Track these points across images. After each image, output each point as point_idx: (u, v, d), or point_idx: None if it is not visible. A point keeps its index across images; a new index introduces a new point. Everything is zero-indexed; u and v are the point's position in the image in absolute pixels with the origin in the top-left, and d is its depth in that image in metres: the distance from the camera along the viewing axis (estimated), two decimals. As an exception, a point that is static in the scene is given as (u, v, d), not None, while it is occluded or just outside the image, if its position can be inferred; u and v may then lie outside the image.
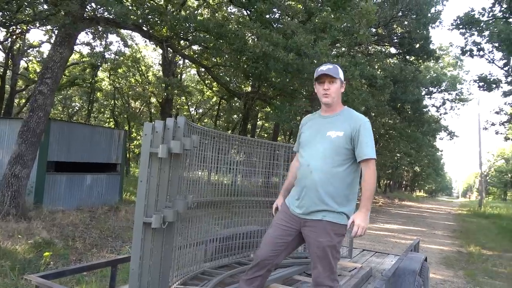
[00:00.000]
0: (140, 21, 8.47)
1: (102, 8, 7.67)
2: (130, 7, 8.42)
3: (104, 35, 14.04)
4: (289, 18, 10.14)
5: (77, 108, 27.29)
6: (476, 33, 12.65)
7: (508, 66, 13.37)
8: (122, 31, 18.76)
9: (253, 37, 10.67)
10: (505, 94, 13.86)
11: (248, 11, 10.53)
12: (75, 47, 18.86)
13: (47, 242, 5.70)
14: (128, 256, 2.82)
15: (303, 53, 8.22)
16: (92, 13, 7.67)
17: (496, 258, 8.47)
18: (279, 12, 10.87)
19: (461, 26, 10.36)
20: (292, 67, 7.93)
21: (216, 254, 3.33)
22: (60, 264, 5.05)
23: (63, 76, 19.42)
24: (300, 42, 8.08)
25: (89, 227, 7.20)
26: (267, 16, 10.56)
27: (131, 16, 7.83)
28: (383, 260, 4.76)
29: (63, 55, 7.21)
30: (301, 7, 11.29)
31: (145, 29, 9.02)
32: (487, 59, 13.73)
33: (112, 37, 18.22)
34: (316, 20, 10.25)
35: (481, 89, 12.26)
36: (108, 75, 19.96)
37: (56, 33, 7.90)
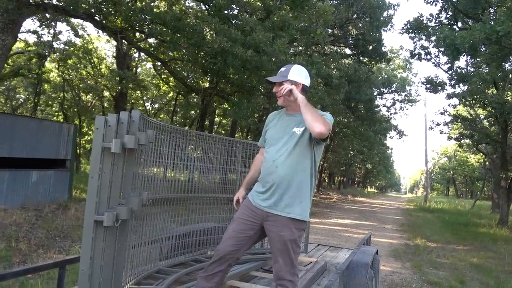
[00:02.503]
0: (92, 10, 8.07)
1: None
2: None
3: (53, 23, 13.22)
4: (247, 15, 10.12)
5: (22, 100, 25.60)
6: (424, 37, 13.33)
7: (452, 70, 14.25)
8: (73, 20, 17.89)
9: (211, 32, 10.54)
10: (449, 96, 14.74)
11: (206, 6, 10.38)
12: (21, 35, 17.71)
13: (-14, 243, 5.29)
14: (78, 256, 2.67)
15: (261, 50, 8.24)
16: (39, -1, 7.20)
17: (440, 250, 9.03)
18: (238, 8, 10.83)
19: (410, 31, 10.88)
20: (250, 63, 7.93)
21: (172, 252, 3.25)
22: (1, 267, 4.71)
23: (6, 65, 18.15)
24: (258, 39, 8.09)
25: (35, 226, 6.78)
26: (226, 12, 10.47)
27: (82, 5, 7.46)
28: (337, 254, 4.91)
29: (6, 43, 6.72)
30: (260, 4, 11.32)
31: (97, 19, 8.61)
32: (433, 63, 14.53)
33: (62, 26, 17.30)
34: (275, 18, 10.32)
35: (428, 90, 12.99)
36: (57, 66, 18.87)
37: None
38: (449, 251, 8.95)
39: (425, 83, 12.71)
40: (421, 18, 10.25)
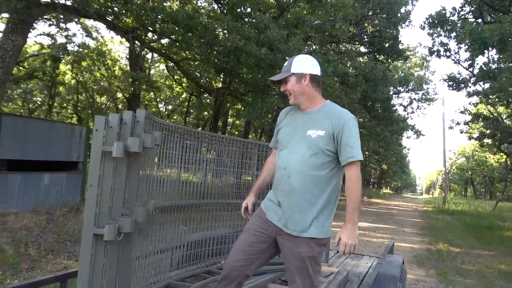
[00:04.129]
0: (103, 10, 7.92)
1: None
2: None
3: (64, 24, 13.20)
4: (261, 13, 9.87)
5: (39, 103, 25.88)
6: (445, 33, 12.85)
7: (473, 67, 13.72)
8: (86, 22, 17.93)
9: (224, 31, 10.34)
10: (469, 95, 14.21)
11: (219, 4, 10.17)
12: (35, 39, 17.85)
13: (-5, 249, 5.16)
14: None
15: (275, 48, 7.97)
16: (48, -2, 7.08)
17: (464, 255, 8.59)
18: (251, 6, 10.59)
19: (432, 25, 10.43)
20: (264, 62, 7.67)
21: (183, 263, 3.01)
22: (9, 275, 4.55)
23: (22, 68, 18.30)
24: (272, 36, 7.83)
25: (46, 230, 6.64)
26: (238, 10, 10.24)
27: (93, 4, 7.31)
28: (358, 262, 4.62)
29: (16, 43, 6.61)
30: (273, 2, 11.05)
31: (109, 19, 8.47)
32: (453, 60, 14.02)
33: (76, 29, 17.39)
34: (289, 16, 10.05)
35: (450, 88, 12.49)
36: (71, 68, 18.96)
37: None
38: (474, 257, 8.51)
39: (447, 80, 12.22)
40: (444, 12, 9.81)
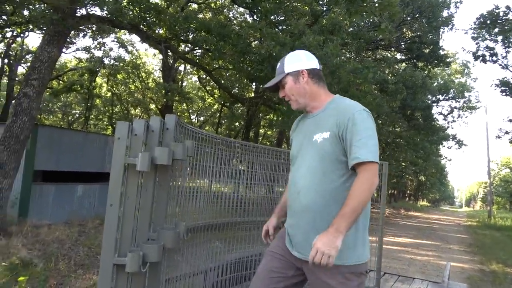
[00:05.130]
0: (137, 20, 7.88)
1: (95, 5, 7.10)
2: (126, 5, 7.84)
3: (101, 38, 13.51)
4: (295, 20, 9.58)
5: (77, 115, 26.77)
6: (488, 37, 12.09)
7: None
8: (122, 36, 18.38)
9: (257, 39, 10.11)
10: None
11: (252, 12, 9.97)
12: (75, 53, 18.47)
13: (26, 263, 5.03)
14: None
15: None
16: (82, 7, 7.08)
17: (523, 278, 7.74)
18: (285, 14, 10.33)
19: (484, 25, 9.72)
20: (300, 69, 7.31)
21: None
22: (37, 291, 4.38)
23: (61, 82, 18.96)
24: (308, 42, 7.47)
25: (77, 243, 6.52)
26: (272, 17, 10.00)
27: (127, 15, 7.28)
28: (409, 287, 4.11)
29: (51, 55, 6.61)
30: (307, 9, 10.75)
31: (142, 29, 8.44)
32: (500, 65, 13.13)
33: (112, 44, 17.89)
34: (324, 22, 9.70)
35: (503, 94, 11.61)
36: (107, 81, 19.45)
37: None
38: (535, 280, 7.64)
39: (499, 86, 11.36)
40: (497, 11, 9.11)
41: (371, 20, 11.70)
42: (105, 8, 6.79)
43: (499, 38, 12.04)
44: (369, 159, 1.47)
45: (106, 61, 17.80)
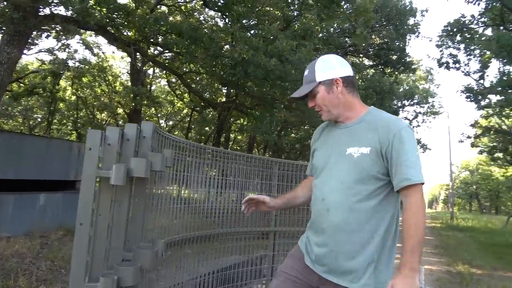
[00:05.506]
0: (104, 21, 7.57)
1: (59, 4, 6.74)
2: (93, 5, 7.52)
3: (66, 39, 12.95)
4: (268, 24, 9.56)
5: (39, 120, 25.57)
6: (452, 45, 12.60)
7: (483, 80, 13.38)
8: (88, 38, 17.74)
9: (230, 43, 10.01)
10: (480, 107, 13.82)
11: (224, 15, 9.86)
12: (37, 55, 17.63)
13: (-19, 280, 4.63)
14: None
15: (285, 59, 7.59)
16: (46, 7, 6.71)
17: (488, 278, 7.99)
18: (257, 18, 10.29)
19: (451, 33, 10.09)
20: (274, 73, 7.24)
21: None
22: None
23: (21, 84, 18.01)
24: (282, 47, 7.45)
25: (39, 257, 6.10)
26: (244, 21, 9.93)
27: (93, 16, 6.97)
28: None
29: (11, 56, 6.21)
30: (279, 14, 10.77)
31: (110, 30, 8.12)
32: (463, 72, 13.71)
33: (77, 45, 17.28)
34: (296, 27, 9.74)
35: (468, 100, 12.09)
36: (71, 84, 18.72)
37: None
38: (499, 280, 7.90)
39: (464, 92, 11.83)
40: (463, 20, 9.45)
41: (340, 26, 11.88)
42: (70, 8, 6.45)
43: (461, 46, 12.54)
44: (420, 180, 1.41)
45: (70, 63, 17.14)
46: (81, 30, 15.30)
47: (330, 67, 1.59)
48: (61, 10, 6.92)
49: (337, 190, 1.51)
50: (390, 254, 1.54)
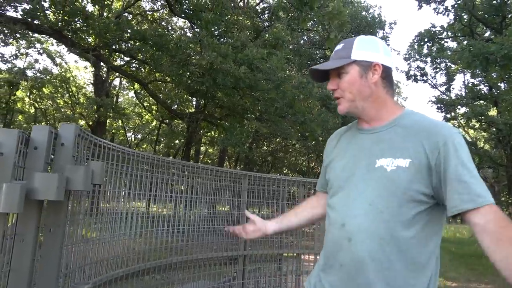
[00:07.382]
0: (60, 24, 7.01)
1: (6, 4, 6.15)
2: (48, 7, 6.95)
3: (22, 46, 12.18)
4: (237, 32, 9.29)
5: (-6, 133, 24.06)
6: (419, 58, 12.83)
7: (449, 92, 13.68)
8: (50, 47, 16.89)
9: (198, 50, 9.66)
10: (446, 119, 14.06)
11: (192, 23, 9.50)
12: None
13: None
14: None
15: (255, 68, 7.27)
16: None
17: (464, 291, 7.86)
18: (226, 27, 10.02)
19: (422, 43, 10.20)
20: (244, 82, 6.87)
21: None
22: None
23: (-26, 95, 16.82)
24: (252, 55, 7.13)
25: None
26: (213, 29, 9.62)
27: (42, 18, 6.41)
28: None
29: None
30: (249, 23, 10.53)
31: (67, 34, 7.54)
32: (430, 84, 13.98)
33: (38, 55, 16.40)
34: (266, 36, 9.53)
35: (438, 110, 12.27)
36: (29, 95, 17.73)
37: None
38: (475, 292, 7.79)
39: (435, 103, 11.95)
40: (434, 29, 9.52)
41: (310, 37, 11.86)
42: (19, 8, 5.88)
43: (428, 59, 12.76)
44: (492, 201, 1.00)
45: (29, 73, 16.23)
46: (42, 38, 14.53)
47: (372, 48, 1.20)
48: (8, 10, 6.32)
49: (363, 213, 1.10)
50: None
